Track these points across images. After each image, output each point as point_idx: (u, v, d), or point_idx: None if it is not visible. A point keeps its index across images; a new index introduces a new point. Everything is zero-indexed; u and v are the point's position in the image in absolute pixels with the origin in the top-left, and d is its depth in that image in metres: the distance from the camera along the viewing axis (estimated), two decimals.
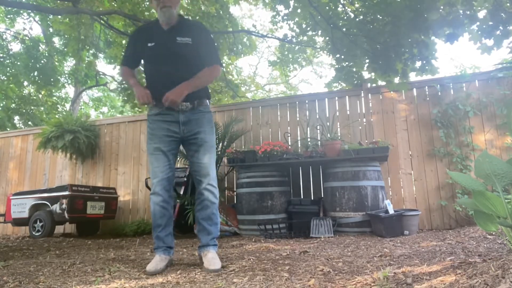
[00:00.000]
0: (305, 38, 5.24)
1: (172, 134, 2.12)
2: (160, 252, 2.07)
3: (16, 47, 14.72)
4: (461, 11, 3.45)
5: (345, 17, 4.41)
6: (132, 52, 2.20)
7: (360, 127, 4.55)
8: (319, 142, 4.45)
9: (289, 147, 4.42)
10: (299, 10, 4.51)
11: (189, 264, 2.17)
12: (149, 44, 2.10)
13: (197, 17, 5.42)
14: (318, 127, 4.66)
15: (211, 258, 1.97)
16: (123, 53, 2.18)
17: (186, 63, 2.10)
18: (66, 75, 12.14)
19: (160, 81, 2.10)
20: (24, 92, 11.45)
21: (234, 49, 5.74)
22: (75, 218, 4.58)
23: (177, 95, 1.97)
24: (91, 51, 6.64)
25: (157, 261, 1.99)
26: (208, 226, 2.12)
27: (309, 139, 4.53)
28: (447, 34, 3.47)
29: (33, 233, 4.61)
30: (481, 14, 3.63)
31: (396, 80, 4.12)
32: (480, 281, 1.12)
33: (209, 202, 2.10)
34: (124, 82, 6.21)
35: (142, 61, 2.26)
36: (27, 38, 11.16)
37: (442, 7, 3.52)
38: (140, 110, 6.43)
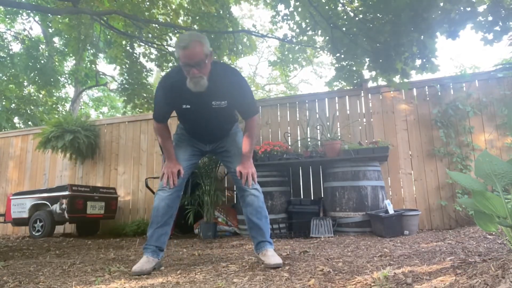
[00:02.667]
0: (305, 38, 5.24)
1: (198, 147, 2.23)
2: (148, 253, 1.99)
3: (16, 47, 14.74)
4: (461, 8, 3.44)
5: (345, 17, 4.40)
6: (165, 111, 2.09)
7: (360, 127, 4.54)
8: (319, 142, 4.46)
9: (289, 147, 4.42)
10: (299, 9, 4.51)
11: (189, 264, 2.17)
12: (184, 107, 2.02)
13: (197, 17, 5.42)
14: (318, 127, 4.66)
15: (271, 255, 1.97)
16: (155, 109, 2.10)
17: (224, 120, 2.14)
18: (66, 75, 12.14)
19: (195, 132, 2.19)
20: (24, 92, 11.45)
21: (234, 49, 5.73)
22: (75, 218, 4.58)
23: (252, 172, 2.09)
24: (91, 51, 6.64)
25: (144, 262, 1.93)
26: (258, 220, 2.10)
27: (309, 139, 4.53)
28: (447, 30, 3.45)
29: (33, 233, 4.61)
30: (481, 8, 3.62)
31: (397, 79, 4.12)
32: (480, 281, 1.12)
33: (253, 196, 2.11)
34: (124, 82, 6.21)
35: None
36: (27, 38, 11.15)
37: (442, 4, 3.51)
38: (140, 110, 6.43)
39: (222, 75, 1.97)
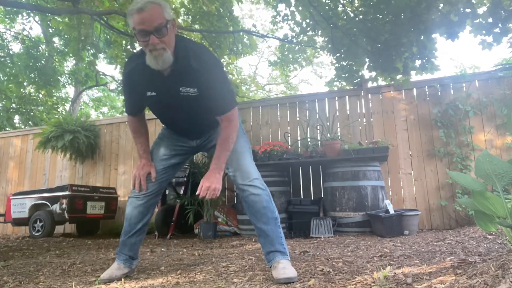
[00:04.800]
0: (305, 38, 5.24)
1: (181, 144, 1.92)
2: (120, 260, 1.84)
3: (16, 47, 14.73)
4: (461, 9, 3.44)
5: (345, 17, 4.40)
6: (131, 102, 1.81)
7: (360, 127, 4.54)
8: (319, 142, 4.45)
9: (289, 147, 4.42)
10: (300, 9, 4.51)
11: (189, 264, 2.16)
12: (148, 94, 1.70)
13: (197, 16, 5.42)
14: (318, 127, 4.66)
15: (282, 268, 1.60)
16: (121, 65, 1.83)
17: (196, 112, 1.76)
18: (66, 75, 12.14)
19: (173, 125, 1.91)
20: (24, 92, 11.45)
21: (234, 49, 5.73)
22: (75, 218, 4.58)
23: (214, 189, 1.66)
24: (91, 51, 6.63)
25: (114, 269, 1.81)
26: (263, 225, 1.73)
27: (309, 139, 4.53)
28: (447, 31, 3.46)
29: (33, 233, 4.61)
30: (481, 10, 3.62)
31: (398, 77, 4.12)
32: (480, 281, 1.12)
33: (254, 196, 1.75)
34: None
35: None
36: (27, 38, 11.15)
37: (442, 5, 3.52)
38: None
39: (190, 55, 1.60)
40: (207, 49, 1.71)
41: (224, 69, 1.81)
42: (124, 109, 2.00)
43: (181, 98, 1.68)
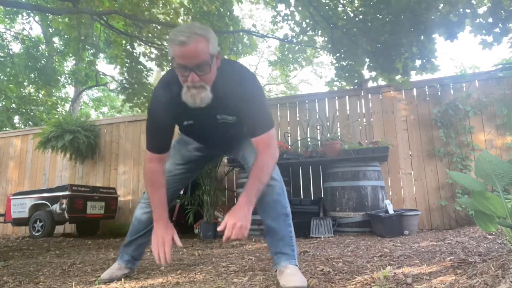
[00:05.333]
0: (305, 38, 5.24)
1: (203, 153, 1.83)
2: (123, 260, 1.82)
3: (16, 47, 14.74)
4: (461, 10, 3.44)
5: (345, 17, 4.40)
6: (161, 136, 1.56)
7: (360, 127, 4.54)
8: (319, 142, 4.45)
9: (289, 147, 4.42)
10: (300, 8, 4.51)
11: (189, 264, 2.16)
12: (185, 123, 1.58)
13: (198, 16, 5.42)
14: (318, 127, 4.66)
15: (290, 274, 1.45)
16: (149, 138, 1.57)
17: (231, 135, 1.68)
18: (66, 75, 12.14)
19: (200, 141, 1.77)
20: (24, 92, 11.45)
21: (234, 49, 5.73)
22: (75, 218, 4.58)
23: (240, 226, 1.32)
24: (91, 51, 6.63)
25: (115, 269, 1.79)
26: (272, 221, 1.55)
27: (309, 139, 4.53)
28: (447, 31, 3.46)
29: (33, 233, 4.61)
30: (481, 10, 3.62)
31: (398, 78, 4.12)
32: (480, 281, 1.12)
33: (267, 187, 1.51)
34: (124, 82, 6.20)
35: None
36: (27, 38, 11.16)
37: (441, 6, 3.52)
38: (141, 109, 6.42)
39: (232, 80, 1.46)
40: (249, 71, 1.54)
41: (263, 90, 1.60)
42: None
43: (218, 124, 1.56)
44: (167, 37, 6.27)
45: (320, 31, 4.64)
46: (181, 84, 1.40)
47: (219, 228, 1.32)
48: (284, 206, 1.60)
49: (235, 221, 1.32)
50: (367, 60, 4.23)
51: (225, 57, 6.07)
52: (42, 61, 10.29)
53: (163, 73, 6.71)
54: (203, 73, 1.34)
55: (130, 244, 1.83)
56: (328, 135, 4.18)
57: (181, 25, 1.38)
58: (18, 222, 4.90)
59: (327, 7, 4.33)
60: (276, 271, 1.54)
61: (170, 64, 6.24)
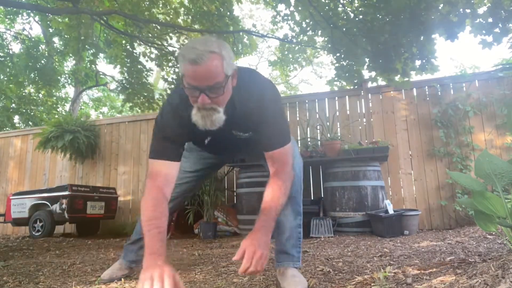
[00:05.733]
0: (305, 38, 5.24)
1: (211, 160, 1.74)
2: (125, 261, 1.81)
3: (16, 47, 14.74)
4: (461, 10, 3.44)
5: (345, 17, 4.40)
6: (171, 147, 1.37)
7: (360, 127, 4.54)
8: (319, 142, 4.45)
9: None
10: (300, 8, 4.51)
11: (189, 264, 2.17)
12: (198, 141, 1.50)
13: (198, 16, 5.42)
14: (318, 127, 4.66)
15: (290, 277, 1.41)
16: (153, 146, 1.39)
17: (244, 148, 1.60)
18: (66, 75, 12.14)
19: (212, 151, 1.67)
20: (24, 92, 11.45)
21: (234, 49, 5.73)
22: (75, 218, 4.58)
23: (260, 256, 1.13)
24: (91, 51, 6.63)
25: (115, 269, 1.78)
26: (281, 216, 1.44)
27: (309, 139, 4.53)
28: (447, 32, 3.46)
29: (33, 233, 4.61)
30: (481, 10, 3.62)
31: (397, 78, 4.13)
32: (480, 281, 1.12)
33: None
34: (124, 81, 6.20)
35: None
36: (27, 38, 11.15)
37: (441, 6, 3.52)
38: (141, 109, 6.43)
39: (246, 99, 1.32)
40: (268, 83, 1.41)
41: (281, 100, 1.47)
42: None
43: (232, 138, 1.44)
44: (169, 38, 6.26)
45: (320, 31, 4.63)
46: (189, 109, 1.26)
47: (235, 257, 1.13)
48: (299, 204, 1.57)
49: (254, 249, 1.13)
50: (367, 60, 4.23)
51: None
52: (42, 61, 10.29)
53: (163, 73, 6.72)
54: (216, 95, 1.18)
55: (136, 242, 1.79)
56: (328, 135, 4.18)
57: (194, 40, 1.21)
58: (18, 222, 4.90)
59: (327, 7, 4.33)
60: (276, 270, 1.52)
61: (171, 63, 6.26)
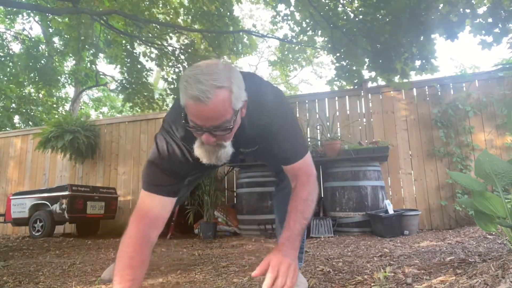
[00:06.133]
0: (305, 38, 5.25)
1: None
2: None
3: (16, 47, 14.74)
4: (461, 10, 3.44)
5: (345, 17, 4.41)
6: (175, 182, 1.21)
7: (360, 127, 4.54)
8: (319, 142, 4.45)
9: None
10: (300, 8, 4.51)
11: (189, 264, 2.16)
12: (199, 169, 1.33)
13: (198, 16, 5.42)
14: (318, 127, 4.66)
15: None
16: (152, 180, 1.19)
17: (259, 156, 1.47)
18: (66, 75, 12.14)
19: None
20: (24, 92, 11.45)
21: (234, 49, 5.74)
22: (75, 218, 4.58)
23: (289, 274, 0.99)
24: (91, 51, 6.64)
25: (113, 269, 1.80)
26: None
27: (309, 139, 4.53)
28: (447, 32, 3.46)
29: (33, 233, 4.61)
30: (481, 10, 3.62)
31: (396, 79, 4.13)
32: (480, 281, 1.12)
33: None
34: (124, 81, 6.20)
35: None
36: (27, 38, 11.16)
37: (441, 6, 3.52)
38: (141, 109, 6.43)
39: (255, 113, 1.18)
40: (277, 89, 1.31)
41: (292, 111, 1.32)
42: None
43: (237, 153, 1.29)
44: (169, 38, 6.21)
45: (320, 31, 4.64)
46: (191, 137, 1.11)
47: (255, 273, 0.98)
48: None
49: (280, 259, 1.01)
50: (366, 60, 4.23)
51: (225, 57, 6.07)
52: (42, 61, 10.29)
53: (163, 73, 6.70)
54: (223, 133, 1.05)
55: None
56: (328, 135, 4.18)
57: (199, 67, 1.02)
58: (18, 222, 4.89)
59: (327, 7, 4.33)
60: None
61: (171, 63, 6.27)
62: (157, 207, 1.16)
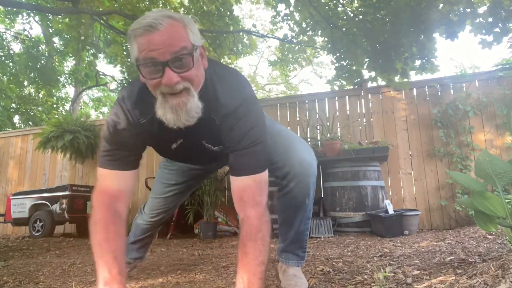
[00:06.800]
0: (305, 38, 5.25)
1: (195, 171, 1.58)
2: (129, 258, 1.79)
3: (16, 47, 14.74)
4: (461, 9, 3.45)
5: (345, 17, 4.41)
6: (130, 155, 1.12)
7: (360, 127, 4.54)
8: (319, 142, 4.45)
9: None
10: (299, 8, 4.51)
11: (189, 264, 2.16)
12: (173, 146, 1.23)
13: (198, 15, 5.42)
14: (318, 127, 4.66)
15: (292, 276, 1.37)
16: (105, 152, 1.11)
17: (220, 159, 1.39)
18: (66, 75, 12.15)
19: (194, 164, 1.51)
20: (24, 92, 11.46)
21: (234, 49, 5.74)
22: (75, 218, 4.58)
23: None
24: (91, 51, 6.64)
25: None
26: (292, 218, 1.38)
27: (309, 139, 4.53)
28: (447, 31, 3.46)
29: (33, 233, 4.61)
30: (481, 10, 3.62)
31: (396, 79, 4.13)
32: (480, 281, 1.12)
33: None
34: (124, 81, 6.19)
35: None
36: (27, 38, 11.16)
37: (441, 5, 3.52)
38: None
39: (225, 89, 1.08)
40: (237, 77, 1.16)
41: (263, 112, 1.18)
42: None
43: (207, 151, 1.22)
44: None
45: (320, 31, 4.64)
46: (151, 98, 0.99)
47: None
48: (310, 210, 1.39)
49: None
50: (366, 60, 4.23)
51: (225, 57, 6.07)
52: (42, 61, 10.30)
53: None
54: (184, 69, 0.93)
55: (135, 243, 1.80)
56: (328, 135, 4.18)
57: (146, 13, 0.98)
58: (18, 222, 4.90)
59: (327, 7, 4.33)
60: (279, 262, 1.49)
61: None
62: (115, 181, 1.09)
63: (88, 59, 8.97)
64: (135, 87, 1.08)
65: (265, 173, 1.11)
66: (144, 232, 1.77)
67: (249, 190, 1.06)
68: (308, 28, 4.74)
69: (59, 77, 11.22)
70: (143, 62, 0.91)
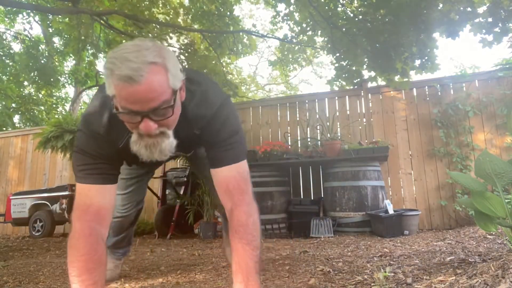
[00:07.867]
0: (305, 38, 5.25)
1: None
2: (117, 255, 1.85)
3: (16, 47, 14.75)
4: (461, 8, 3.44)
5: (345, 17, 4.41)
6: (110, 167, 1.12)
7: (360, 127, 4.54)
8: (319, 142, 4.45)
9: (289, 147, 4.41)
10: (299, 8, 4.51)
11: (189, 264, 2.16)
12: (134, 165, 1.33)
13: (198, 15, 5.43)
14: (318, 127, 4.66)
15: None
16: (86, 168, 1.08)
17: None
18: (66, 75, 12.15)
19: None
20: (24, 92, 11.46)
21: (234, 49, 5.74)
22: None
23: None
24: (91, 51, 6.64)
25: (112, 268, 1.81)
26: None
27: (309, 139, 4.53)
28: (447, 30, 3.45)
29: (33, 233, 4.61)
30: (481, 9, 3.62)
31: (396, 78, 4.13)
32: (480, 281, 1.12)
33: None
34: None
35: None
36: (27, 38, 11.17)
37: (441, 5, 3.52)
38: None
39: (202, 106, 1.10)
40: (220, 91, 1.19)
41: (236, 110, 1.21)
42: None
43: (175, 155, 1.30)
44: (169, 38, 6.21)
45: (319, 31, 4.64)
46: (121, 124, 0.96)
47: None
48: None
49: None
50: (366, 60, 4.23)
51: (225, 57, 6.07)
52: (42, 61, 10.30)
53: None
54: (163, 117, 0.93)
55: (123, 238, 1.85)
56: (328, 135, 4.18)
57: (124, 47, 0.88)
58: (18, 222, 4.90)
59: (327, 7, 4.33)
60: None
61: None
62: (96, 198, 1.05)
63: (88, 59, 8.97)
64: (103, 110, 1.04)
65: (246, 163, 1.14)
66: (121, 229, 1.81)
67: (233, 181, 1.08)
68: (308, 28, 4.74)
69: (59, 77, 11.22)
70: (121, 109, 0.89)
